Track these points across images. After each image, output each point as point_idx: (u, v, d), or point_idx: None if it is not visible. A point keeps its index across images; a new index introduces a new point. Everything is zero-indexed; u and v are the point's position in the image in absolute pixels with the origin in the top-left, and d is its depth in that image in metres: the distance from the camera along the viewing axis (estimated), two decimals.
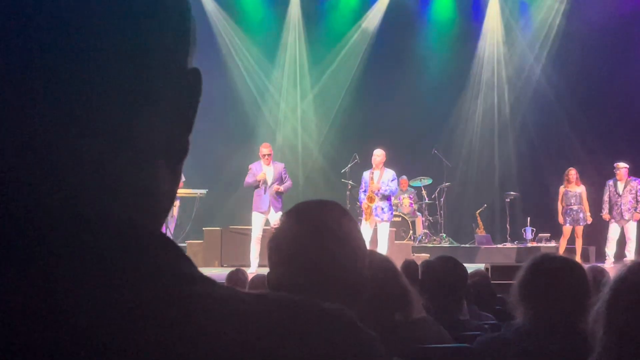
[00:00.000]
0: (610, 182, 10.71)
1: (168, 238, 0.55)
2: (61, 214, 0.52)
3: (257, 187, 9.11)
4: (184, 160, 0.61)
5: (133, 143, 0.55)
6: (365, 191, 9.21)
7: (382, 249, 8.80)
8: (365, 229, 8.92)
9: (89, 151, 0.53)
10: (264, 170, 9.13)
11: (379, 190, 9.00)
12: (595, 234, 11.04)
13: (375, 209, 9.04)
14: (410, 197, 12.60)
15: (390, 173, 9.20)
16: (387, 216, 9.18)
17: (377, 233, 9.10)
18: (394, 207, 12.17)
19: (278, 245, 1.41)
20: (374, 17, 14.16)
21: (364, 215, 9.08)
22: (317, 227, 1.38)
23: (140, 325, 0.49)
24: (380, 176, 9.11)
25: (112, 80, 0.53)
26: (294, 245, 1.38)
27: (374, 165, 9.20)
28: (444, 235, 12.62)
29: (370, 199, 9.01)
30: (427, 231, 12.57)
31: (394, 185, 9.26)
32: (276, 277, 1.39)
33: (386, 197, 9.13)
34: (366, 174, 9.33)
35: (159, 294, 0.50)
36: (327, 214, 1.42)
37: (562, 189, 10.75)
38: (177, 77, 0.58)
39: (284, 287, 1.37)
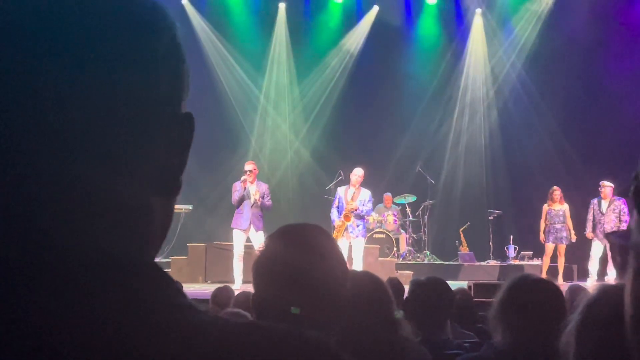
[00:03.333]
0: (595, 201, 10.79)
1: (160, 268, 0.58)
2: (55, 245, 0.54)
3: (242, 203, 9.10)
4: (177, 196, 0.64)
5: (129, 180, 0.58)
6: (338, 207, 9.22)
7: (357, 265, 8.82)
8: (343, 245, 8.96)
9: (85, 186, 0.56)
10: (248, 188, 9.13)
11: (355, 210, 9.05)
12: (578, 252, 11.11)
13: (350, 225, 9.09)
14: (394, 214, 12.64)
15: (366, 193, 9.22)
16: (362, 232, 9.23)
17: (351, 250, 9.10)
18: (378, 224, 12.24)
19: (263, 267, 1.45)
20: (359, 35, 14.27)
21: (334, 232, 9.04)
22: (300, 248, 1.43)
23: (128, 353, 0.51)
24: (358, 195, 9.16)
25: (109, 125, 0.57)
26: (278, 266, 1.42)
27: (354, 184, 9.22)
28: (428, 252, 12.66)
29: (347, 217, 9.04)
30: (410, 248, 12.61)
31: (370, 206, 9.34)
32: (261, 298, 1.43)
33: (361, 217, 9.20)
34: (341, 191, 9.34)
35: (147, 322, 0.53)
36: (309, 235, 1.47)
37: (545, 207, 10.82)
38: (170, 122, 0.62)
39: (269, 307, 1.40)
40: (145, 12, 0.61)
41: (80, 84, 0.56)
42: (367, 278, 2.16)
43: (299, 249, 1.43)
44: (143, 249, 0.60)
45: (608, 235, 10.38)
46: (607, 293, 1.41)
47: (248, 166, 9.23)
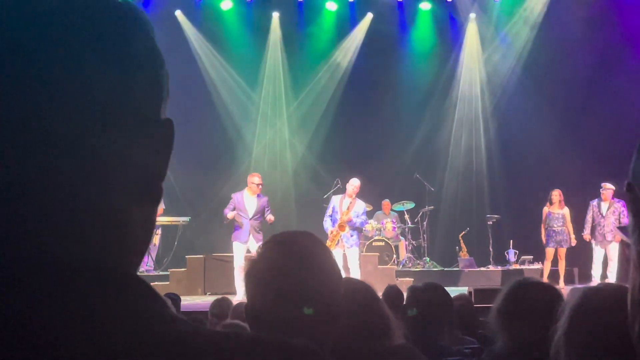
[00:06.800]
0: (594, 203, 10.73)
1: (142, 280, 0.57)
2: (34, 257, 0.53)
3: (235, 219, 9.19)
4: (158, 205, 0.63)
5: (107, 190, 0.57)
6: (332, 216, 9.24)
7: (355, 274, 8.83)
8: (337, 255, 8.96)
9: (61, 193, 0.55)
10: (247, 201, 9.20)
11: (350, 222, 9.05)
12: (579, 255, 11.08)
13: (344, 235, 9.09)
14: (393, 221, 12.63)
15: (361, 206, 9.27)
16: (356, 242, 9.26)
17: (347, 260, 9.12)
18: (377, 232, 12.23)
19: (255, 275, 1.43)
20: (353, 43, 14.30)
21: (327, 242, 9.03)
22: (293, 256, 1.41)
23: None
24: (353, 206, 9.17)
25: (81, 132, 0.55)
26: (270, 274, 1.40)
27: (349, 194, 9.23)
28: (428, 259, 12.63)
29: (342, 227, 9.06)
30: (410, 255, 12.58)
31: (363, 218, 9.42)
32: (254, 307, 1.41)
33: (355, 229, 9.22)
34: (336, 200, 9.36)
35: (131, 334, 0.52)
36: (302, 243, 1.45)
37: (545, 209, 10.81)
38: (149, 127, 0.60)
39: (261, 316, 1.38)
40: (122, 16, 0.60)
41: (54, 86, 0.55)
42: (360, 286, 2.14)
43: (291, 257, 1.41)
44: (123, 259, 0.58)
45: (618, 230, 10.29)
46: (589, 297, 1.40)
47: (255, 179, 9.34)
